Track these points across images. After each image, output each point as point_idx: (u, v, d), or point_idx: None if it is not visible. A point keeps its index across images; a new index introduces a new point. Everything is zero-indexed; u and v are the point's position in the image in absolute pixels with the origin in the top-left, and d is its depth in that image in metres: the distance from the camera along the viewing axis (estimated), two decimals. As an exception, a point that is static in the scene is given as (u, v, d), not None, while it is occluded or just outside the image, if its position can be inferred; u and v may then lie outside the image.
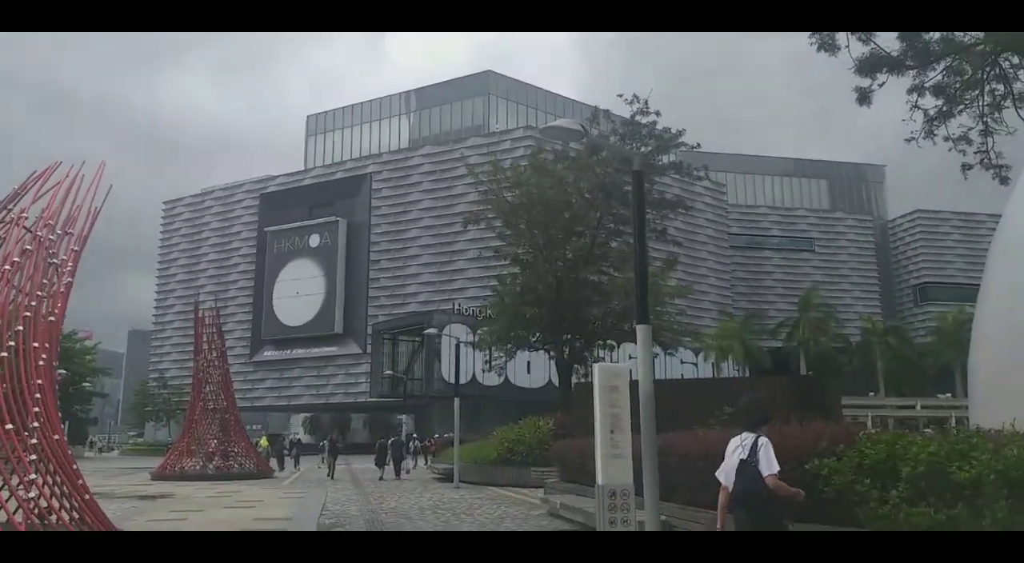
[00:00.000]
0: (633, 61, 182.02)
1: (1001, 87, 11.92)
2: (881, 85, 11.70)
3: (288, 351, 71.76)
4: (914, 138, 13.18)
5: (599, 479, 7.50)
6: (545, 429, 23.93)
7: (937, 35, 11.09)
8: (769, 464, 5.51)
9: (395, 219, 68.62)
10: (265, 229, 74.22)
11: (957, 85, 12.28)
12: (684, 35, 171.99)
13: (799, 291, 72.51)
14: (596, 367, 7.75)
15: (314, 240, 72.01)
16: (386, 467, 28.85)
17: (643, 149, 27.11)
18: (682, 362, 56.87)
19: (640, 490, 7.90)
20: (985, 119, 11.94)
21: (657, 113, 26.80)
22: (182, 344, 75.93)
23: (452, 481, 24.51)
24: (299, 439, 55.87)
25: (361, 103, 79.99)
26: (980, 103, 11.88)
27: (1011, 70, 11.79)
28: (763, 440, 5.61)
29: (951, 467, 7.14)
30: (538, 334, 28.27)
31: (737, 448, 5.68)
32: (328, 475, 27.91)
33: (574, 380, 28.30)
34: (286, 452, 39.57)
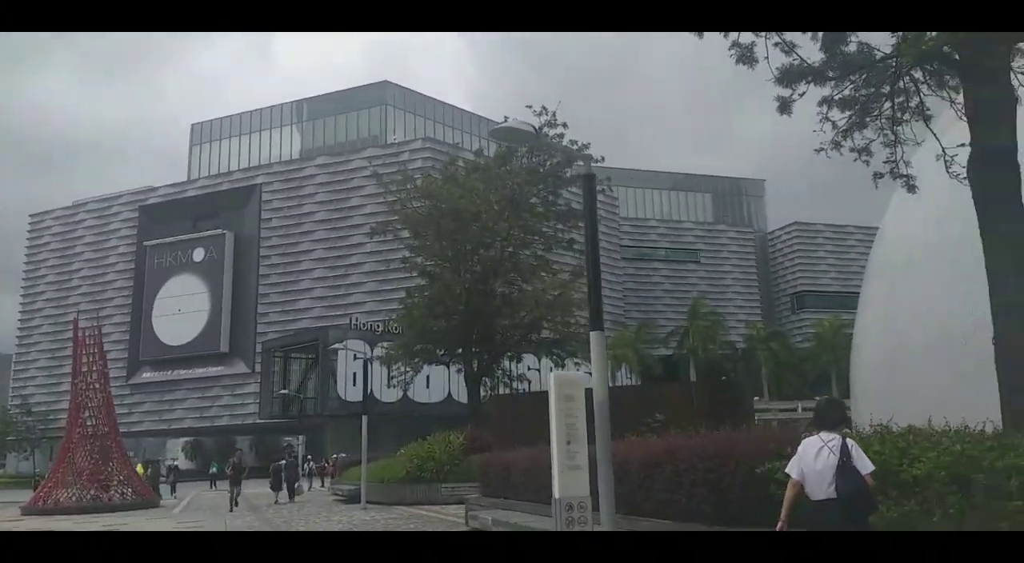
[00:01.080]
0: (524, 69, 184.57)
1: (904, 100, 12.48)
2: (802, 95, 12.01)
3: (169, 372, 67.83)
4: (823, 149, 13.55)
5: (556, 492, 7.18)
6: (456, 444, 23.48)
7: (854, 47, 11.51)
8: (865, 464, 5.59)
9: (287, 232, 66.31)
10: (145, 243, 70.08)
11: (864, 98, 12.75)
12: (575, 43, 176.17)
13: (686, 300, 75.21)
14: (552, 375, 7.47)
15: (198, 254, 68.56)
16: (281, 491, 27.66)
17: (550, 161, 27.31)
18: (578, 371, 57.55)
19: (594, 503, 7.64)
20: (894, 130, 12.46)
21: (564, 125, 27.02)
22: (50, 367, 70.49)
23: (356, 502, 23.67)
24: (176, 465, 52.94)
25: (250, 112, 77.10)
26: (890, 115, 12.41)
27: (914, 85, 12.39)
28: (850, 441, 5.68)
29: (899, 465, 7.27)
30: (445, 347, 27.84)
31: (822, 448, 5.61)
32: (231, 507, 24.72)
33: (482, 393, 28.03)
34: (162, 479, 37.53)
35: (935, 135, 11.99)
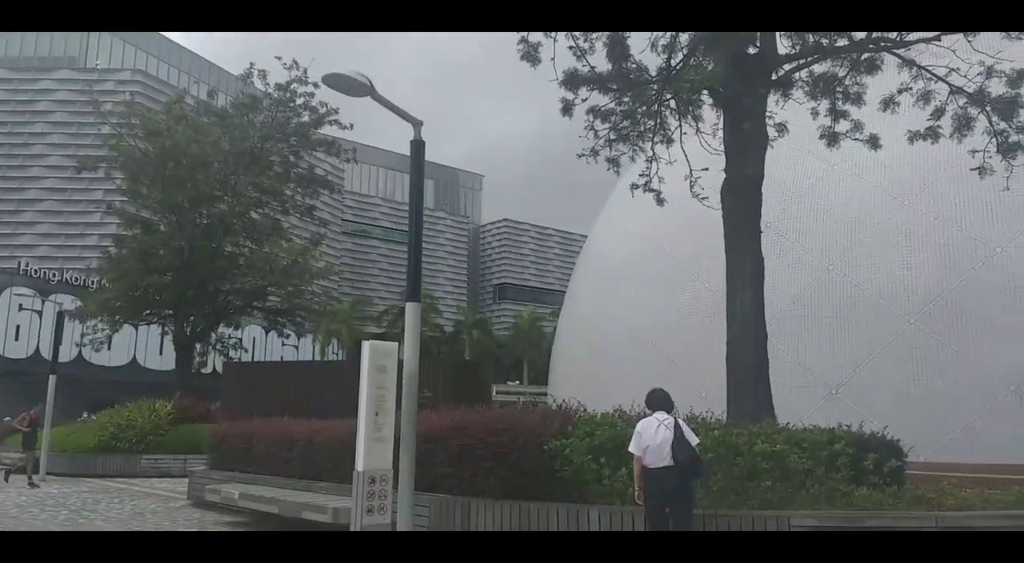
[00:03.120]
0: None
1: (659, 121, 13.85)
2: (584, 101, 12.76)
3: None
4: (584, 155, 14.48)
5: (359, 465, 6.90)
6: (163, 413, 21.39)
7: (634, 64, 12.49)
8: (693, 438, 6.67)
9: (-59, 150, 54.86)
10: None
11: (623, 113, 13.89)
12: None
13: (402, 281, 76.24)
14: (366, 344, 7.14)
15: None
16: None
17: (297, 120, 25.95)
18: (283, 344, 55.79)
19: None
20: (652, 148, 13.79)
21: (316, 85, 25.73)
22: None
23: (31, 473, 20.41)
24: None
25: None
26: (648, 134, 13.69)
27: (669, 109, 13.82)
28: (680, 421, 6.80)
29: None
30: (155, 307, 25.09)
31: (659, 426, 6.63)
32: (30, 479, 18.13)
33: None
34: None
35: (687, 157, 13.50)
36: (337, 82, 7.11)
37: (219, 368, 34.66)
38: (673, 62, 13.04)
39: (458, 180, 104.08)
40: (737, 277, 10.66)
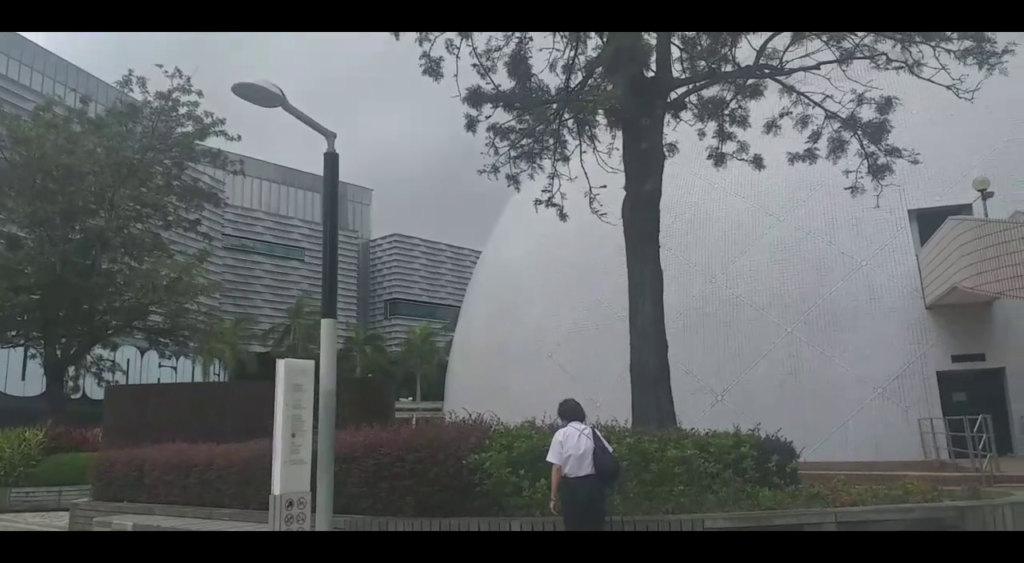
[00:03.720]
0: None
1: (556, 140, 14.25)
2: (487, 117, 12.95)
3: None
4: (485, 171, 14.67)
5: (276, 489, 6.70)
6: (33, 442, 19.87)
7: (536, 83, 12.80)
8: (608, 446, 6.87)
9: None
10: None
11: (524, 131, 14.22)
12: None
13: (288, 298, 73.98)
14: (281, 362, 6.95)
15: None
16: None
17: (180, 130, 24.85)
18: (161, 365, 53.20)
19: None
20: (554, 165, 14.14)
21: (200, 94, 24.74)
22: None
23: None
24: None
25: None
26: (548, 152, 14.05)
27: (567, 128, 14.23)
28: (596, 431, 6.93)
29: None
30: (21, 328, 23.28)
31: (580, 436, 6.74)
32: None
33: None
34: None
35: (586, 174, 13.95)
36: (246, 92, 6.93)
37: (90, 393, 32.54)
38: (572, 83, 13.52)
39: (346, 194, 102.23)
40: (638, 288, 11.08)
